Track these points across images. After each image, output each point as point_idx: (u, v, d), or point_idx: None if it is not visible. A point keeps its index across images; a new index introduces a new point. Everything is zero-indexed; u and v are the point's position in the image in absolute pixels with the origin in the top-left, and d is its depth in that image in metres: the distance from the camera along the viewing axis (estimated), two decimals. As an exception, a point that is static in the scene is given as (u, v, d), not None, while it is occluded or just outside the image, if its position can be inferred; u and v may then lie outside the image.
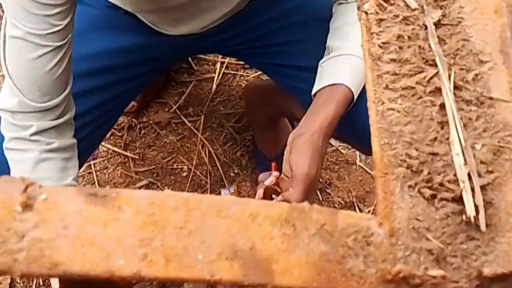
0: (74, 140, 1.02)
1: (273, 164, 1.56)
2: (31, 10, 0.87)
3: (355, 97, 0.99)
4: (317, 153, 0.94)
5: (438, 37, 0.50)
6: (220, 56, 1.79)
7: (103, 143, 1.61)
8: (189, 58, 1.78)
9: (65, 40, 0.92)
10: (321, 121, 0.95)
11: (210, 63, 1.79)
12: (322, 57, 1.05)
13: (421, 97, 0.48)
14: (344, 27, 1.04)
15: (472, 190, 0.43)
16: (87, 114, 1.08)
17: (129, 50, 1.15)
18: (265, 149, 1.57)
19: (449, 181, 0.44)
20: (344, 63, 0.99)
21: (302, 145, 0.94)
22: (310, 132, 0.94)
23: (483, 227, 0.43)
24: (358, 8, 0.51)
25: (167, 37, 1.16)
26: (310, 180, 0.92)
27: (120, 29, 1.14)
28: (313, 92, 1.00)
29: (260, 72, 1.76)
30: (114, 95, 1.14)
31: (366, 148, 1.24)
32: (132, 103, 1.65)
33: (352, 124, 1.04)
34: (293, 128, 1.58)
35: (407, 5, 0.51)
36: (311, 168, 0.92)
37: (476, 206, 0.43)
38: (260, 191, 1.00)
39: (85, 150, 1.10)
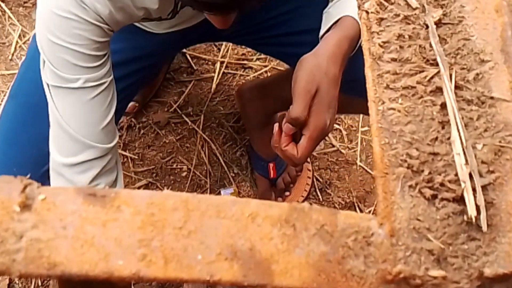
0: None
1: (271, 165, 1.56)
2: (81, 64, 0.88)
3: None
4: (319, 71, 0.88)
5: (439, 36, 0.50)
6: (219, 56, 1.79)
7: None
8: (189, 58, 1.78)
9: (112, 73, 0.92)
10: (326, 44, 0.91)
11: (209, 63, 1.79)
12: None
13: (421, 96, 0.48)
14: None
15: (473, 190, 0.43)
16: None
17: (127, 48, 1.15)
18: (261, 150, 1.57)
19: (450, 181, 0.44)
20: (351, 2, 0.96)
21: (303, 64, 0.89)
22: (314, 53, 0.90)
23: (484, 227, 0.43)
24: (359, 7, 0.51)
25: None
26: (310, 95, 0.87)
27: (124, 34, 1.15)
28: (320, 35, 0.98)
29: (257, 73, 1.76)
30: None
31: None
32: (133, 103, 1.65)
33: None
34: None
35: (408, 4, 0.51)
36: (308, 83, 0.87)
37: (477, 206, 0.43)
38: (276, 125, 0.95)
39: None
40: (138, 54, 1.17)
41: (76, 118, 0.91)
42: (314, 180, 1.63)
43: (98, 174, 0.94)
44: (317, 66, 0.89)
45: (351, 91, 1.09)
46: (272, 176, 1.55)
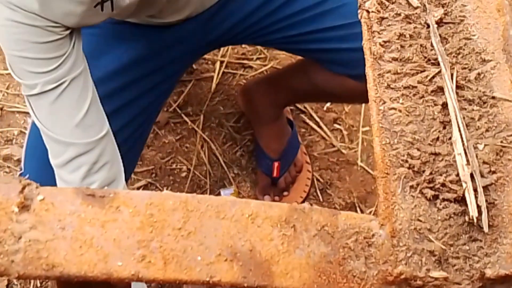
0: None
1: (276, 164, 1.56)
2: (34, 70, 0.86)
3: None
4: None
5: (440, 35, 0.50)
6: (219, 55, 1.79)
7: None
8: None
9: (80, 69, 0.90)
10: None
11: (209, 62, 1.79)
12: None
13: (423, 96, 0.47)
14: None
15: (475, 190, 0.43)
16: (120, 133, 1.07)
17: (143, 59, 1.14)
18: (268, 147, 1.56)
19: (451, 182, 0.44)
20: None
21: None
22: None
23: (485, 228, 0.43)
24: (359, 7, 0.51)
25: (175, 30, 1.15)
26: None
27: (129, 40, 1.14)
28: None
29: (257, 73, 1.76)
30: (142, 108, 1.14)
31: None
32: None
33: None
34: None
35: (409, 3, 0.51)
36: None
37: (478, 207, 0.43)
38: None
39: (128, 166, 1.10)
40: (164, 58, 1.16)
41: (49, 120, 0.91)
42: (315, 180, 1.63)
43: (89, 171, 0.93)
44: None
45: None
46: (275, 175, 1.55)
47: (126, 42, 1.14)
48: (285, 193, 1.59)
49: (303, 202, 1.58)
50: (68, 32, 0.88)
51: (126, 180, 1.07)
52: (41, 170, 1.02)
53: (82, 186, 0.91)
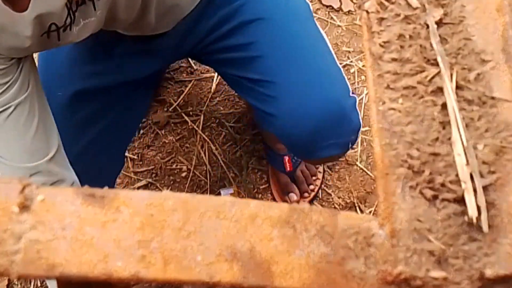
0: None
1: (287, 158, 1.55)
2: None
3: None
4: None
5: (439, 36, 0.50)
6: (219, 55, 1.79)
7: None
8: (189, 57, 1.78)
9: (25, 94, 0.90)
10: None
11: (209, 62, 1.79)
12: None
13: (422, 96, 0.48)
14: None
15: (474, 190, 0.43)
16: (104, 132, 1.08)
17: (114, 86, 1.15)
18: (275, 144, 1.57)
19: (450, 182, 0.44)
20: None
21: None
22: None
23: (485, 228, 0.43)
24: (359, 7, 0.51)
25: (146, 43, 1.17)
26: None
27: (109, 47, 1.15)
28: None
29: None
30: (125, 108, 1.15)
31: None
32: None
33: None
34: None
35: (408, 4, 0.51)
36: None
37: (478, 207, 0.43)
38: None
39: (111, 167, 1.11)
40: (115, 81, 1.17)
41: None
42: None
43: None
44: None
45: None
46: (288, 169, 1.55)
47: (100, 57, 1.15)
48: (311, 186, 1.57)
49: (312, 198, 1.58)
50: (14, 60, 0.87)
51: (117, 176, 1.06)
52: None
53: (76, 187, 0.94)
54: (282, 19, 1.11)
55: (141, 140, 1.67)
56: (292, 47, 1.11)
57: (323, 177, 1.61)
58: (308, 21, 1.16)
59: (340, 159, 1.67)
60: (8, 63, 0.87)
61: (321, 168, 1.61)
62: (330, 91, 1.04)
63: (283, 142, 1.17)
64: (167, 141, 1.67)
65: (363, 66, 1.74)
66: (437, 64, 0.49)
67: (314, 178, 1.59)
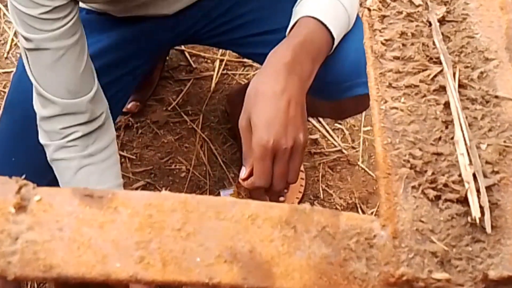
0: (111, 139, 1.05)
1: None
2: (34, 25, 0.91)
3: (335, 35, 0.92)
4: (282, 107, 0.81)
5: (442, 34, 0.50)
6: (219, 54, 1.79)
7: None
8: (188, 56, 1.78)
9: (77, 36, 0.95)
10: (281, 55, 0.85)
11: (209, 61, 1.79)
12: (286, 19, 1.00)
13: (425, 95, 0.48)
14: None
15: (478, 191, 0.43)
16: None
17: (119, 45, 1.17)
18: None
19: (453, 182, 0.44)
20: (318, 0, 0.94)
21: (262, 97, 0.83)
22: (272, 74, 0.83)
23: (488, 229, 0.43)
24: (361, 5, 0.51)
25: (146, 23, 1.19)
26: (270, 149, 0.81)
27: (109, 29, 1.17)
28: (286, 34, 0.96)
29: (256, 71, 1.76)
30: (115, 91, 1.16)
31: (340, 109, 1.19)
32: (135, 103, 1.65)
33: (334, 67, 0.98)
34: None
35: (410, 1, 0.51)
36: (270, 136, 0.80)
37: (481, 208, 0.43)
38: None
39: None
40: (133, 49, 1.19)
41: (42, 79, 0.96)
42: (319, 180, 1.63)
43: (76, 139, 0.99)
44: (279, 99, 0.83)
45: (319, 94, 1.08)
46: None
47: (104, 31, 1.18)
48: (281, 198, 1.58)
49: (299, 203, 1.58)
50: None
51: None
52: (16, 125, 1.08)
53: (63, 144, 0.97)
54: None
55: (140, 139, 1.67)
56: None
57: (304, 189, 1.61)
58: None
59: (342, 159, 1.67)
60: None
61: (303, 182, 1.60)
62: (360, 28, 1.03)
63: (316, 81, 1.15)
64: (166, 141, 1.67)
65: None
66: (440, 63, 0.49)
67: (285, 190, 1.59)
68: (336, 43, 0.95)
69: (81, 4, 1.17)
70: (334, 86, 1.05)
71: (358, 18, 1.01)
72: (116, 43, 1.17)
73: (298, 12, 0.95)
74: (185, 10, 1.19)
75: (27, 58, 0.96)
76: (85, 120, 1.00)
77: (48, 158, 1.01)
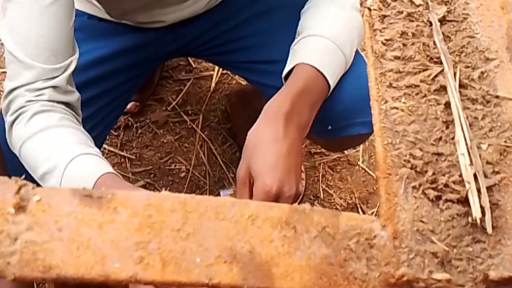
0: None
1: None
2: None
3: (331, 83, 0.93)
4: (283, 154, 0.81)
5: (443, 34, 0.50)
6: (219, 53, 1.79)
7: (98, 142, 1.61)
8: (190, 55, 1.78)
9: None
10: (280, 104, 0.85)
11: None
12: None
13: (425, 95, 0.48)
14: (317, 6, 1.00)
15: (478, 191, 0.43)
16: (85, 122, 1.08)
17: (116, 55, 1.16)
18: None
19: (454, 182, 0.44)
20: (315, 43, 0.94)
21: (262, 145, 0.83)
22: (271, 122, 0.83)
23: (489, 229, 0.43)
24: (361, 4, 0.51)
25: (146, 33, 1.18)
26: (273, 196, 0.82)
27: (107, 37, 1.16)
28: (283, 76, 0.95)
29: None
30: (109, 100, 1.16)
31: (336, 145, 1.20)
32: (134, 103, 1.66)
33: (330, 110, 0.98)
34: None
35: (411, 1, 0.51)
36: (274, 182, 0.80)
37: (482, 208, 0.43)
38: None
39: None
40: (132, 59, 1.19)
41: (22, 34, 0.89)
42: (319, 180, 1.63)
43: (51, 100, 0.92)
44: (281, 149, 0.83)
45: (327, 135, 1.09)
46: None
47: (104, 38, 1.16)
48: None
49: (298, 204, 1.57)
50: None
51: None
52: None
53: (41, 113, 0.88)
54: (298, 3, 1.11)
55: (139, 139, 1.67)
56: None
57: (303, 194, 1.61)
58: None
59: (342, 159, 1.67)
60: None
61: (303, 182, 1.61)
62: (362, 67, 1.03)
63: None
64: (165, 141, 1.67)
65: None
66: (440, 62, 0.49)
67: None
68: (332, 88, 0.95)
69: (83, 9, 1.17)
70: (325, 127, 1.07)
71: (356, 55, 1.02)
72: (116, 52, 1.16)
73: (296, 55, 0.95)
74: (185, 24, 1.18)
75: (4, 14, 0.88)
76: (64, 90, 0.92)
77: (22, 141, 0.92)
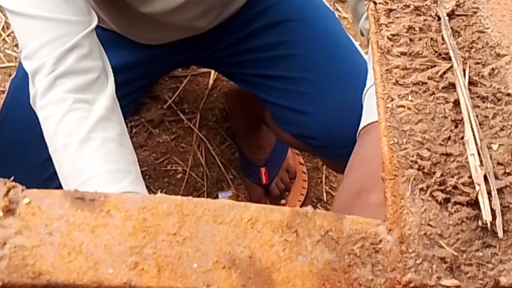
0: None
1: (263, 170, 1.56)
2: None
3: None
4: None
5: (451, 28, 0.50)
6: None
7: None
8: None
9: None
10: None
11: (206, 57, 1.80)
12: (295, 64, 1.03)
13: (433, 93, 0.48)
14: None
15: (489, 193, 0.44)
16: None
17: (121, 68, 1.17)
18: (251, 155, 1.58)
19: (463, 184, 0.44)
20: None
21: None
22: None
23: (500, 233, 0.43)
24: (366, -2, 0.51)
25: (150, 49, 1.20)
26: None
27: (113, 49, 1.17)
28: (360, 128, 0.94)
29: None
30: None
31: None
32: None
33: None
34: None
35: (418, -6, 0.51)
36: None
37: (492, 211, 0.43)
38: None
39: None
40: (136, 72, 1.21)
41: None
42: (322, 182, 1.63)
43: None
44: None
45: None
46: (264, 182, 1.56)
47: (110, 49, 1.17)
48: (283, 201, 1.59)
49: (301, 207, 1.58)
50: None
51: None
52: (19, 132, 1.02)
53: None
54: (311, 19, 1.13)
55: (134, 139, 1.67)
56: (326, 45, 1.14)
57: (307, 192, 1.62)
58: (334, 22, 1.20)
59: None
60: None
61: (305, 184, 1.61)
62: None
63: (314, 141, 1.17)
64: (161, 141, 1.68)
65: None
66: (449, 59, 0.49)
67: (287, 193, 1.60)
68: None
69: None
70: (332, 150, 1.08)
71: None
72: (120, 66, 1.17)
73: (371, 108, 0.84)
74: (192, 39, 1.20)
75: None
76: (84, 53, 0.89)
77: (35, 108, 0.89)
